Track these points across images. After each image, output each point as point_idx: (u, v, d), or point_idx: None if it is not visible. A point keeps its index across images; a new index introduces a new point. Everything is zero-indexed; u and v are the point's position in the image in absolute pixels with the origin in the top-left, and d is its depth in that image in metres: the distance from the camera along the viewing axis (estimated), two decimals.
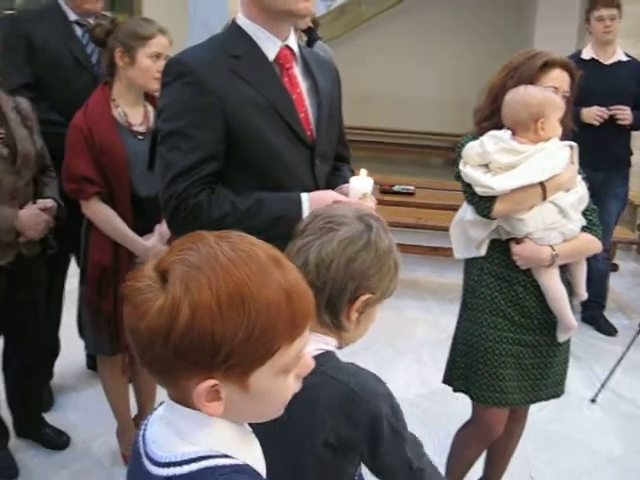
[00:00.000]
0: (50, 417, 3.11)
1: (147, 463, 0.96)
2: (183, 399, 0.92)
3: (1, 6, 7.94)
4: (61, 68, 2.93)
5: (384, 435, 1.25)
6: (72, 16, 3.04)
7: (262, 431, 1.02)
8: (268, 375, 0.91)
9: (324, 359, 1.26)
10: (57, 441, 3.00)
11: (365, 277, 1.27)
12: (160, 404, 1.04)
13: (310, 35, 4.69)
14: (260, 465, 1.00)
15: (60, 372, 3.44)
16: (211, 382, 0.88)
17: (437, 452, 2.56)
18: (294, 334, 0.90)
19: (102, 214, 2.52)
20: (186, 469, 0.91)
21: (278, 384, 0.93)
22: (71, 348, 3.45)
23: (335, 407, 1.23)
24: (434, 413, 3.37)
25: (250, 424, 1.01)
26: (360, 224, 1.29)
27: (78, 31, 3.04)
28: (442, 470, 2.26)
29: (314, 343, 1.24)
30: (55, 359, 3.37)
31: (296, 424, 1.22)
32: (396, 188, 5.31)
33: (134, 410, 2.98)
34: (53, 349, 3.32)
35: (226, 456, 0.93)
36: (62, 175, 2.56)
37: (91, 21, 3.07)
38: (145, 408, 2.92)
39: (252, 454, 0.99)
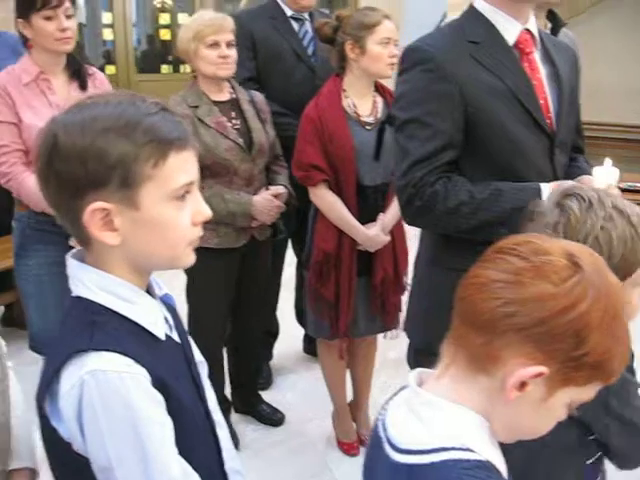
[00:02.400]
0: (268, 395, 3.25)
1: (388, 448, 0.95)
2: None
3: (230, 11, 8.46)
4: (281, 61, 3.09)
5: None
6: (288, 12, 3.20)
7: None
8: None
9: None
10: (272, 418, 3.13)
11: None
12: (401, 388, 1.03)
13: (554, 21, 4.46)
14: (502, 466, 0.96)
15: (278, 354, 3.59)
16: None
17: None
18: None
19: (328, 201, 2.58)
20: (427, 459, 0.89)
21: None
22: (288, 332, 3.59)
23: None
24: None
25: None
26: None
27: (295, 26, 3.20)
28: None
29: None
30: (275, 340, 3.52)
31: None
32: (624, 185, 4.96)
33: (349, 396, 3.02)
34: (273, 331, 3.48)
35: (469, 450, 0.89)
36: (292, 162, 2.66)
37: (306, 16, 3.23)
38: (361, 394, 2.97)
39: (495, 452, 0.95)
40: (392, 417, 1.00)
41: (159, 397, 1.00)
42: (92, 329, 0.98)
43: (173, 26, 9.32)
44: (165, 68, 9.18)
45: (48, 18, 2.38)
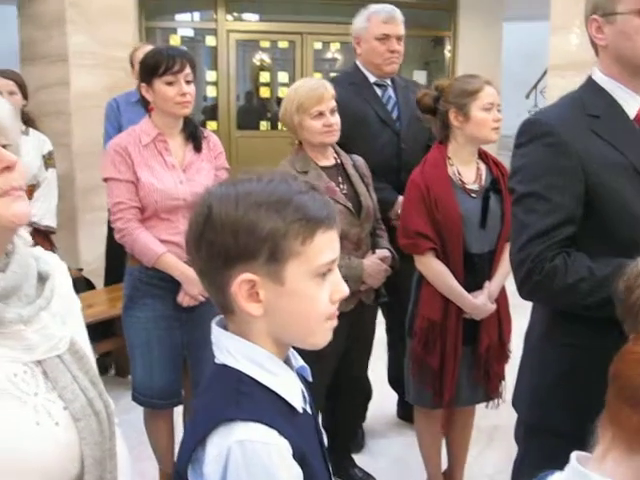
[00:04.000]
0: (359, 459, 3.20)
1: None
2: None
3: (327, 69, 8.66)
4: (366, 126, 3.14)
5: None
6: (372, 78, 3.29)
7: None
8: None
9: None
10: None
11: None
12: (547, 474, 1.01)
13: None
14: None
15: (370, 416, 3.55)
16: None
17: None
18: None
19: (435, 269, 2.56)
20: None
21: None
22: (381, 394, 3.56)
23: None
24: None
25: None
26: None
27: (378, 91, 3.27)
28: None
29: None
30: (368, 402, 3.49)
31: None
32: None
33: (444, 464, 2.95)
34: (367, 393, 3.45)
35: None
36: (398, 229, 2.67)
37: (389, 82, 3.30)
38: (457, 464, 2.90)
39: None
40: None
41: (299, 470, 1.01)
42: (239, 398, 1.00)
43: (272, 84, 9.62)
44: (264, 125, 9.45)
45: (169, 83, 2.50)
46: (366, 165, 2.85)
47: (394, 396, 3.63)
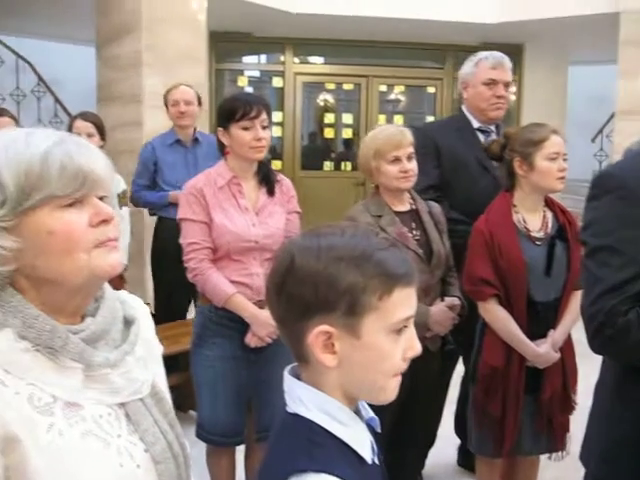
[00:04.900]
0: None
1: None
2: None
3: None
4: (466, 170, 3.14)
5: None
6: (475, 124, 3.28)
7: None
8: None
9: None
10: None
11: None
12: None
13: None
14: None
15: (430, 462, 3.50)
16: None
17: None
18: None
19: (498, 316, 2.56)
20: None
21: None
22: (443, 440, 3.52)
23: None
24: None
25: None
26: None
27: (481, 137, 3.25)
28: None
29: None
30: (429, 449, 3.45)
31: None
32: None
33: None
34: (430, 439, 3.41)
35: None
36: (462, 276, 2.68)
37: (493, 128, 3.29)
38: None
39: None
40: None
41: None
42: (310, 449, 1.02)
43: (337, 125, 9.75)
44: (327, 165, 9.56)
45: (246, 128, 2.57)
46: (442, 212, 2.87)
47: (455, 441, 3.58)
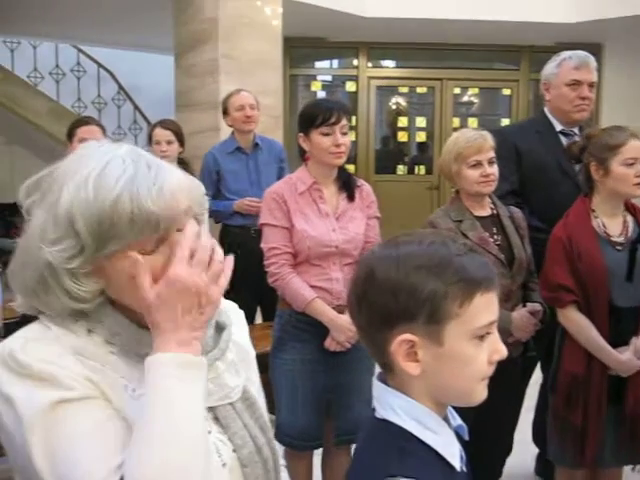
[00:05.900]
0: None
1: None
2: None
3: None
4: (545, 174, 3.05)
5: None
6: (558, 126, 3.18)
7: None
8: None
9: None
10: None
11: None
12: None
13: None
14: None
15: (507, 471, 3.44)
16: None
17: None
18: None
19: (577, 323, 2.52)
20: None
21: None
22: (521, 447, 3.46)
23: None
24: None
25: None
26: None
27: (563, 140, 3.15)
28: None
29: None
30: (507, 457, 3.40)
31: None
32: None
33: None
34: (507, 447, 3.36)
35: None
36: (540, 282, 2.65)
37: (576, 131, 3.18)
38: None
39: None
40: None
41: None
42: (401, 455, 1.03)
43: (410, 128, 9.71)
44: (401, 169, 9.54)
45: (325, 134, 2.61)
46: (523, 217, 2.84)
47: (533, 449, 3.53)
